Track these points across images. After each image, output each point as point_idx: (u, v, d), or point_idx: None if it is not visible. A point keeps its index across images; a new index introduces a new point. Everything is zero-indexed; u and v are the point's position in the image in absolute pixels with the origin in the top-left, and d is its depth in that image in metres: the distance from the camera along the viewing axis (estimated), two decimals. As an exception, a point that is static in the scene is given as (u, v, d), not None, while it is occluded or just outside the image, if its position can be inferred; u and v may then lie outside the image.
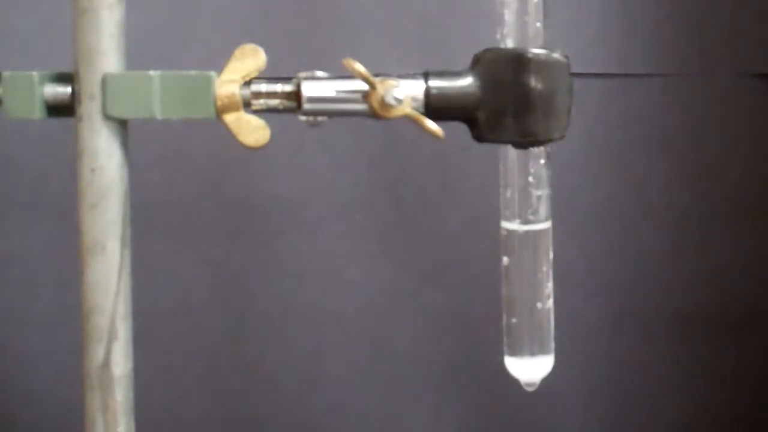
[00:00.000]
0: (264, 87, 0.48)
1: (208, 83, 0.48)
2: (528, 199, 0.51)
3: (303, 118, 0.49)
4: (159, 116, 0.48)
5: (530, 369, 0.52)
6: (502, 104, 0.48)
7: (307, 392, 0.81)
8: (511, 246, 0.51)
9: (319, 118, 0.49)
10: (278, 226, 0.80)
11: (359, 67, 0.47)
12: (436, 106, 0.48)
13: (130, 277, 0.49)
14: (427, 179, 0.79)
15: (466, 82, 0.48)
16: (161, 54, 0.75)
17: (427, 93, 0.48)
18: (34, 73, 0.48)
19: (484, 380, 0.79)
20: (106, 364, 0.48)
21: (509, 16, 0.50)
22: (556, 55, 0.49)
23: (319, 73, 0.49)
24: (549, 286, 0.52)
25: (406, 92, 0.47)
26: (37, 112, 0.48)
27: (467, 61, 0.49)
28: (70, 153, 0.49)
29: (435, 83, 0.48)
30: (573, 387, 0.80)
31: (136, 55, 0.50)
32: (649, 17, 0.78)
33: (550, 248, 0.52)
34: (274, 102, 0.49)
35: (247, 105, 0.48)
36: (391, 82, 0.47)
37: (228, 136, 0.48)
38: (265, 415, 0.81)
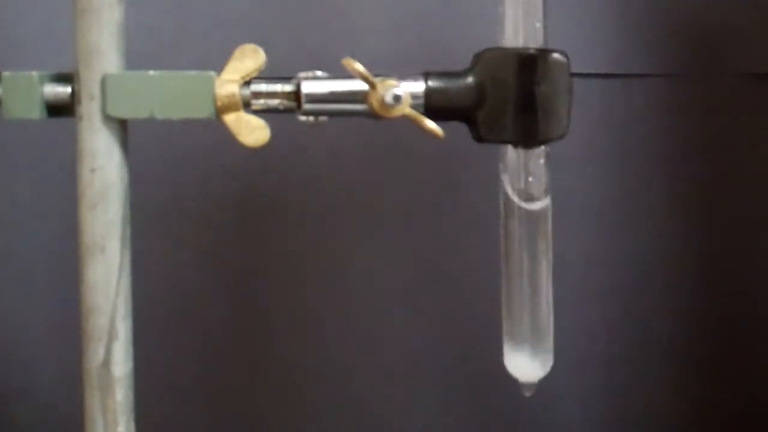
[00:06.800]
0: (264, 87, 0.48)
1: (208, 83, 0.48)
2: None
3: (303, 118, 0.49)
4: (159, 116, 0.48)
5: (530, 369, 0.52)
6: (502, 104, 0.48)
7: (307, 392, 0.81)
8: (512, 246, 0.51)
9: (319, 118, 0.49)
10: (278, 225, 0.80)
11: (359, 67, 0.47)
12: (436, 106, 0.48)
13: (130, 277, 0.49)
14: (427, 179, 0.79)
15: (466, 82, 0.48)
16: (161, 54, 0.75)
17: (427, 93, 0.48)
18: (34, 73, 0.48)
19: (484, 380, 0.79)
20: (106, 364, 0.48)
21: (509, 16, 0.50)
22: (556, 55, 0.49)
23: (319, 73, 0.49)
24: (549, 287, 0.52)
25: (405, 92, 0.47)
26: (37, 112, 0.48)
27: (467, 61, 0.49)
28: (70, 153, 0.49)
29: (435, 83, 0.48)
30: (573, 387, 0.80)
31: (136, 55, 0.50)
32: (649, 17, 0.78)
33: (551, 249, 0.52)
34: (274, 102, 0.49)
35: (247, 105, 0.48)
36: (391, 82, 0.48)
37: (228, 135, 0.48)
38: (265, 415, 0.81)
